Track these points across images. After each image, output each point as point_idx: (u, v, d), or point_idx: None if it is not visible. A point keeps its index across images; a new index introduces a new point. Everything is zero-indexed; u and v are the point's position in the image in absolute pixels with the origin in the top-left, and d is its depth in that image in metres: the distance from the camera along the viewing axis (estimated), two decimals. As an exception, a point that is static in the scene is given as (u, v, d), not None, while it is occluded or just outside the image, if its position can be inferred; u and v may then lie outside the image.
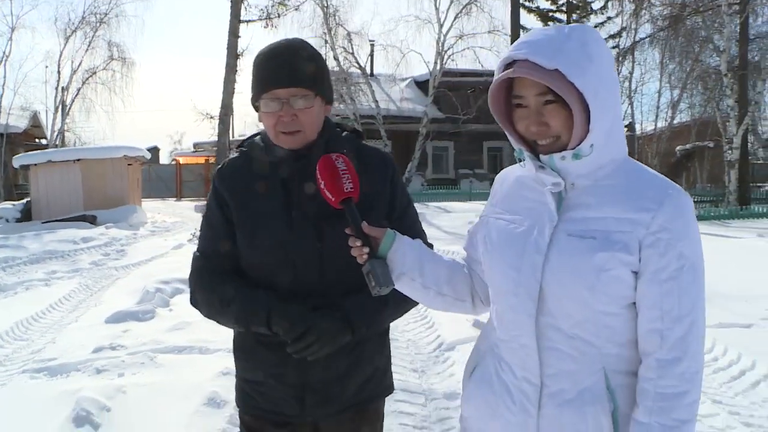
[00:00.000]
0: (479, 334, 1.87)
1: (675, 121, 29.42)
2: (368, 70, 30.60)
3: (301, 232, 1.91)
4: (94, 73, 31.23)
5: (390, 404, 4.11)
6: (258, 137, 2.07)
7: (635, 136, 30.08)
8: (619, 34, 30.51)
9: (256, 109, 1.99)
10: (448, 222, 16.31)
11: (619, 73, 31.81)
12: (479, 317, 5.39)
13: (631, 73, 31.15)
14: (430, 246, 2.02)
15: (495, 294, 1.70)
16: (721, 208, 19.05)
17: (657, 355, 1.50)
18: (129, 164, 20.72)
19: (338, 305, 1.89)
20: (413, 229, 2.03)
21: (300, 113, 1.89)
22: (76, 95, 31.26)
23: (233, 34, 17.01)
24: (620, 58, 28.22)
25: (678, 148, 23.85)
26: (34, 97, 51.17)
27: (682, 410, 1.50)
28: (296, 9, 22.97)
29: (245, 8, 17.92)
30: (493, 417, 1.69)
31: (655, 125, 32.33)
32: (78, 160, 19.69)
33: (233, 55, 17.01)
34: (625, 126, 31.29)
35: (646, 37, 26.58)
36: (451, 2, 27.68)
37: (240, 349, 2.07)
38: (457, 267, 1.85)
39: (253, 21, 18.56)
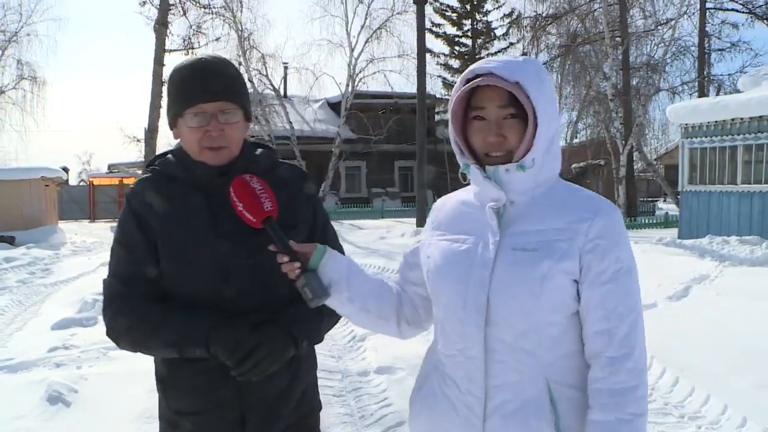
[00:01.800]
0: (424, 357, 1.90)
1: (574, 141, 31.50)
2: (282, 92, 31.19)
3: (234, 248, 1.85)
4: (2, 92, 30.77)
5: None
6: (170, 155, 2.00)
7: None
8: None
9: (173, 126, 1.93)
10: (361, 238, 17.24)
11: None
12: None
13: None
14: None
15: (442, 310, 1.73)
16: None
17: (607, 354, 1.58)
18: (46, 185, 20.83)
19: (277, 320, 1.83)
20: (334, 243, 2.03)
21: (227, 128, 1.86)
22: (-17, 115, 30.71)
23: (158, 63, 17.73)
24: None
25: (573, 165, 25.75)
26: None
27: (635, 404, 1.57)
28: (216, 40, 23.76)
29: (168, 37, 18.66)
30: None
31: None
32: (-8, 181, 19.69)
33: (158, 83, 17.72)
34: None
35: (542, 63, 28.44)
36: (362, 27, 28.84)
37: (168, 381, 1.94)
38: (385, 286, 1.88)
39: (177, 50, 19.34)
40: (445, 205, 1.85)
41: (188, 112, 1.85)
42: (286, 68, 32.68)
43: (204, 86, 1.84)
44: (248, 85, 22.29)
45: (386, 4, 30.71)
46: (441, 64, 35.56)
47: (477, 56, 34.76)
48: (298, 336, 1.84)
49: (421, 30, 19.86)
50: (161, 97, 18.13)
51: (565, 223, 1.61)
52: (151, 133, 18.44)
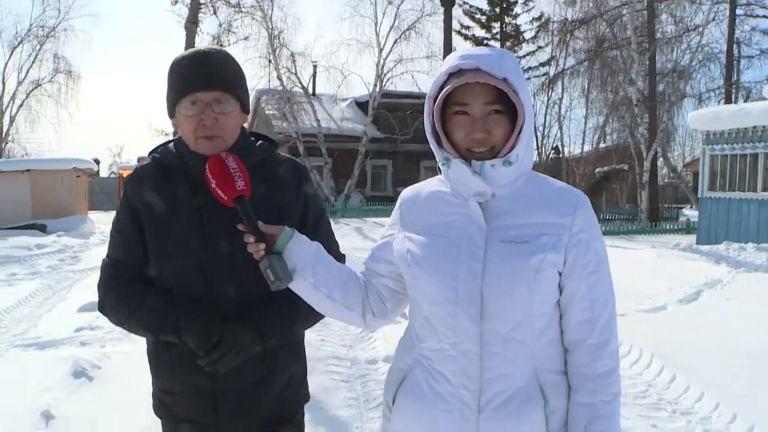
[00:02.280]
0: (396, 353, 1.88)
1: (601, 146, 31.48)
2: (311, 90, 31.61)
3: (214, 239, 1.90)
4: (39, 84, 31.56)
5: (324, 366, 5.34)
6: (171, 144, 2.04)
7: (562, 158, 32.09)
8: (548, 63, 32.59)
9: (172, 115, 1.96)
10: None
11: (548, 99, 33.97)
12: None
13: (560, 99, 33.30)
14: (343, 257, 2.09)
15: (429, 305, 1.70)
16: (634, 225, 20.90)
17: (590, 341, 1.66)
18: (78, 176, 21.40)
19: (249, 315, 1.87)
20: (327, 237, 2.05)
21: (221, 117, 1.89)
22: (21, 106, 31.55)
23: None
24: (550, 85, 30.27)
25: (597, 170, 25.74)
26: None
27: (615, 384, 1.68)
28: (245, 38, 24.20)
29: (198, 35, 19.23)
30: (428, 428, 1.72)
31: (582, 149, 34.50)
32: (27, 170, 20.28)
33: None
34: (552, 149, 33.33)
35: (570, 67, 28.58)
36: (391, 28, 29.20)
37: (154, 359, 2.04)
38: (353, 276, 1.87)
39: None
40: (417, 198, 1.82)
41: (184, 101, 1.89)
42: (315, 67, 33.09)
43: (200, 75, 1.88)
44: (277, 83, 23.04)
45: (415, 6, 31.14)
46: (469, 66, 35.62)
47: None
48: (266, 333, 1.87)
49: (447, 32, 20.05)
50: None
51: (549, 216, 1.65)
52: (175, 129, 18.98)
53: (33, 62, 31.13)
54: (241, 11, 26.35)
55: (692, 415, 4.58)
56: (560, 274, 1.66)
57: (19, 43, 30.93)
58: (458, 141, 1.67)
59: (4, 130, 31.14)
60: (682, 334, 6.58)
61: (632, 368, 5.54)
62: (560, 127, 35.24)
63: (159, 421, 2.11)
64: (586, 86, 26.58)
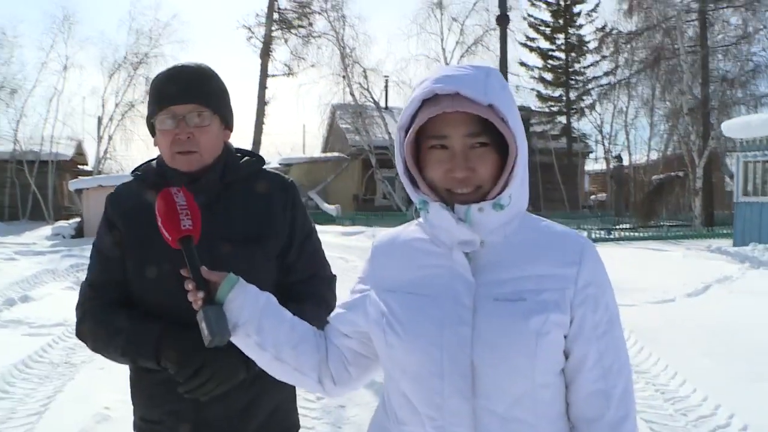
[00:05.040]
0: (369, 430, 1.59)
1: (668, 153, 31.94)
2: (383, 104, 32.92)
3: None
4: (133, 105, 34.39)
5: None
6: (154, 161, 1.97)
7: (623, 166, 32.74)
8: (612, 72, 33.28)
9: (153, 132, 1.89)
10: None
11: (614, 107, 34.66)
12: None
13: (627, 107, 34.01)
14: (333, 277, 1.99)
15: (408, 381, 1.41)
16: (684, 231, 21.60)
17: (607, 418, 1.38)
18: (168, 189, 23.72)
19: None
20: (314, 258, 1.97)
21: (197, 131, 1.82)
22: (117, 126, 34.53)
23: (262, 86, 20.61)
24: (607, 95, 31.12)
25: (653, 177, 26.33)
26: (81, 128, 55.13)
27: None
28: (312, 66, 26.24)
29: (272, 62, 21.56)
30: None
31: (647, 157, 34.98)
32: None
33: (262, 103, 20.53)
34: (615, 158, 33.97)
35: (628, 77, 29.30)
36: (457, 43, 30.64)
37: (135, 386, 1.95)
38: (308, 334, 1.57)
39: (278, 75, 22.18)
40: (391, 247, 1.54)
41: (160, 115, 1.83)
42: (386, 81, 34.35)
43: (174, 89, 1.82)
44: (350, 98, 25.05)
45: (480, 21, 32.19)
46: (535, 77, 36.57)
47: (570, 69, 35.61)
48: (251, 360, 1.66)
49: (503, 50, 21.24)
50: (264, 115, 20.93)
51: (549, 268, 1.38)
52: (255, 146, 21.15)
53: (128, 86, 33.97)
54: (310, 40, 28.41)
55: (646, 374, 5.81)
56: (565, 338, 1.38)
57: (116, 70, 33.87)
58: (436, 180, 1.38)
59: (104, 148, 34.15)
60: (676, 321, 7.72)
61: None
62: (627, 136, 35.87)
63: None
64: (649, 95, 27.23)
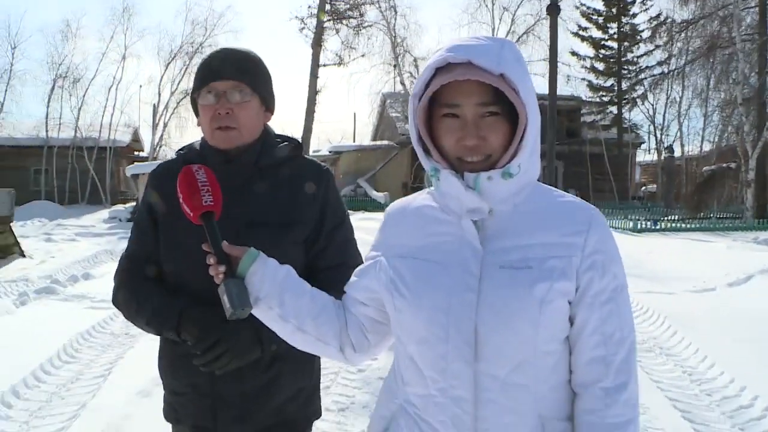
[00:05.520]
0: (380, 396, 1.65)
1: (707, 145, 31.43)
2: (432, 93, 33.27)
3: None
4: (188, 94, 35.22)
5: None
6: (197, 142, 2.02)
7: (674, 157, 32.21)
8: (666, 62, 32.78)
9: (197, 112, 1.95)
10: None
11: (667, 97, 34.11)
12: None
13: (681, 97, 33.46)
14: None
15: (414, 344, 1.45)
16: (740, 223, 21.30)
17: (603, 384, 1.39)
18: (221, 175, 24.45)
19: (251, 318, 1.60)
20: (344, 247, 1.99)
21: (236, 108, 1.86)
22: (172, 114, 35.52)
23: (313, 75, 21.14)
24: (658, 84, 30.68)
25: (704, 168, 25.92)
26: (137, 116, 56.95)
27: None
28: (363, 56, 26.66)
29: (323, 52, 22.12)
30: None
31: (701, 148, 34.40)
32: (179, 170, 23.44)
33: (313, 91, 21.05)
34: (666, 149, 33.45)
35: (681, 66, 28.85)
36: (508, 32, 30.57)
37: (163, 358, 2.03)
38: (327, 305, 1.60)
39: (329, 65, 22.78)
40: (402, 214, 1.58)
41: (202, 91, 1.89)
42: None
43: (217, 66, 1.89)
44: (400, 87, 25.64)
45: (531, 11, 32.10)
46: (586, 67, 36.19)
47: (622, 59, 35.14)
48: (266, 339, 1.77)
49: (553, 40, 21.28)
50: (315, 103, 21.46)
51: (557, 236, 1.40)
52: (306, 134, 21.72)
53: (183, 75, 34.99)
54: (361, 30, 28.80)
55: (676, 357, 5.98)
56: (570, 304, 1.40)
57: (172, 59, 35.01)
58: (448, 149, 1.42)
59: (159, 135, 35.17)
60: (714, 309, 7.80)
61: (644, 325, 6.98)
62: (680, 127, 35.29)
63: None
64: (703, 85, 26.80)
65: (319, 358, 2.04)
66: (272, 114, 2.03)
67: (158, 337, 2.01)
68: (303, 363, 1.98)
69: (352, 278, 1.64)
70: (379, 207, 26.14)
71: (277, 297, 1.53)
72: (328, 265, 1.95)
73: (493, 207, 1.42)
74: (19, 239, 13.36)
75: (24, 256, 13.06)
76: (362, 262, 1.88)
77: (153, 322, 1.89)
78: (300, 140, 2.10)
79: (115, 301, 2.02)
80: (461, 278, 1.39)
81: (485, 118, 1.38)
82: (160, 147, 35.46)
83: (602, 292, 1.40)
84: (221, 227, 1.60)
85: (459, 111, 1.39)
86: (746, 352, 5.93)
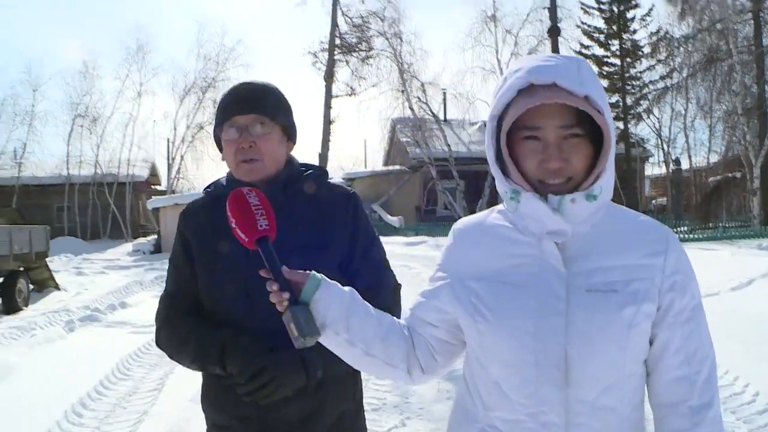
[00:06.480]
0: (454, 418, 1.60)
1: (714, 156, 31.81)
2: (442, 116, 33.44)
3: (258, 269, 1.58)
4: (202, 127, 36.16)
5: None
6: (224, 178, 2.04)
7: (680, 170, 32.61)
8: (668, 76, 33.32)
9: (221, 148, 1.98)
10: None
11: (672, 110, 34.62)
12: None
13: (685, 110, 33.96)
14: (399, 286, 2.01)
15: (501, 368, 1.43)
16: (748, 231, 21.61)
17: (689, 403, 1.39)
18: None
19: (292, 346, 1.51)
20: (378, 265, 2.00)
21: (259, 141, 1.89)
22: (188, 147, 36.41)
23: (327, 106, 22.18)
24: (672, 96, 31.28)
25: (711, 179, 26.32)
26: (153, 150, 58.28)
27: None
28: (373, 86, 27.55)
29: (335, 83, 23.09)
30: None
31: (708, 159, 34.79)
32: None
33: (327, 122, 22.00)
34: (673, 161, 33.90)
35: (686, 78, 29.38)
36: (512, 54, 31.20)
37: (206, 394, 2.03)
38: (394, 328, 1.57)
39: (341, 96, 23.77)
40: (474, 233, 1.54)
41: (225, 125, 1.92)
42: (445, 94, 34.79)
43: (237, 101, 1.93)
44: (409, 112, 26.62)
45: (534, 32, 32.69)
46: (591, 84, 36.59)
47: (626, 75, 35.71)
48: (311, 365, 1.78)
49: (554, 45, 21.83)
50: (330, 133, 22.32)
51: (636, 257, 1.39)
52: (322, 161, 22.60)
53: (197, 109, 35.97)
54: (368, 62, 29.73)
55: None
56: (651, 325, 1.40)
57: (186, 94, 35.96)
58: (528, 170, 1.40)
59: (176, 168, 36.05)
60: (717, 312, 8.20)
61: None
62: (686, 139, 35.71)
63: None
64: (706, 97, 27.31)
65: (360, 378, 2.06)
66: (294, 143, 2.07)
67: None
68: (345, 386, 1.99)
69: (419, 299, 1.60)
70: (393, 231, 26.74)
71: (343, 322, 1.48)
72: (365, 286, 1.87)
73: (573, 229, 1.40)
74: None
75: (59, 288, 13.75)
76: (397, 282, 1.97)
77: (197, 358, 1.89)
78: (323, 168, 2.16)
79: (158, 342, 2.03)
80: (547, 301, 1.38)
81: (568, 139, 1.38)
82: (178, 180, 36.31)
83: (683, 311, 1.41)
84: (260, 258, 1.54)
85: (540, 133, 1.38)
86: (748, 352, 6.28)
